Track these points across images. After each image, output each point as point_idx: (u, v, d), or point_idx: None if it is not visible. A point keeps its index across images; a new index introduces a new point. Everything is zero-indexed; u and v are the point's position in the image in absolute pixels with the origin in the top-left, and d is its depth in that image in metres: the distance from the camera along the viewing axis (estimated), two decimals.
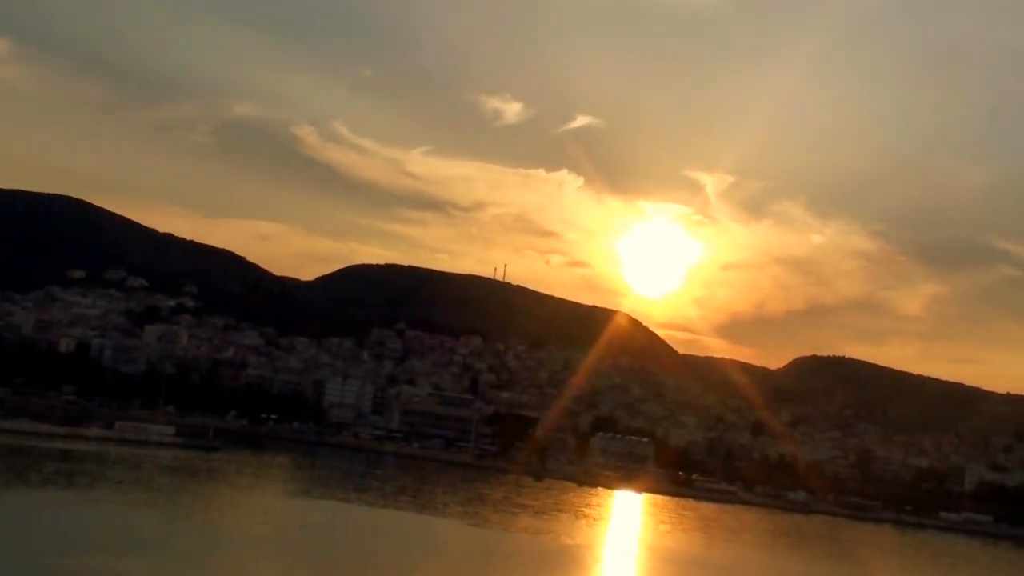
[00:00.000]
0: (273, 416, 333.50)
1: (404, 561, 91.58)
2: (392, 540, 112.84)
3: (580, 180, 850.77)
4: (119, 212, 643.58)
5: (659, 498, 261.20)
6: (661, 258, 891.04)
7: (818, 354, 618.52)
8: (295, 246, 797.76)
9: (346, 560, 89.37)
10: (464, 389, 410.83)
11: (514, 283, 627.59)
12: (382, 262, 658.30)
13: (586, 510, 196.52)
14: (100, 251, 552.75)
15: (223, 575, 74.05)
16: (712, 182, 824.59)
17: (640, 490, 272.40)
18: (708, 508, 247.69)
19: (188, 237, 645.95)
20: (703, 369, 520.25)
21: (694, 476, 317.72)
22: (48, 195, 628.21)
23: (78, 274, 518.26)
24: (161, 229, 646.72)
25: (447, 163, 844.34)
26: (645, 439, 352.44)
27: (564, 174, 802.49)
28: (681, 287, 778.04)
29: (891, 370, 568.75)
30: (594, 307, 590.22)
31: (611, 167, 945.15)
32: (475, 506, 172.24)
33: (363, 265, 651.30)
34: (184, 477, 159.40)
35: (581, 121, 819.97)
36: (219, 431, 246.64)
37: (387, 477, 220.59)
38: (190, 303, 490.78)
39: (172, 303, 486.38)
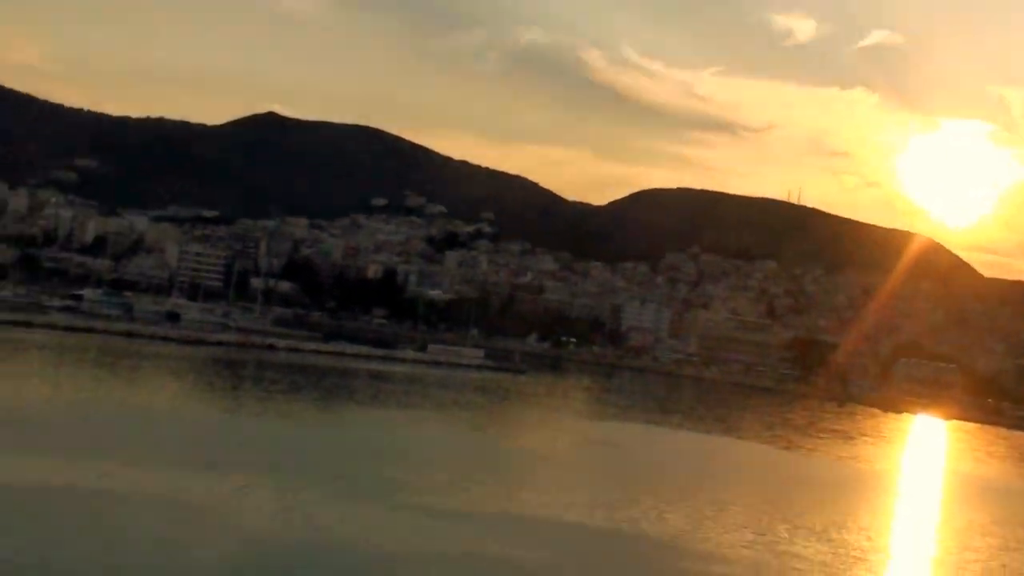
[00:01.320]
0: (572, 340, 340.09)
1: (714, 484, 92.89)
2: (700, 462, 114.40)
3: (875, 98, 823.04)
4: (416, 141, 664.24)
5: (966, 425, 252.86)
6: (963, 178, 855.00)
7: None
8: (586, 171, 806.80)
9: (657, 481, 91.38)
10: (760, 314, 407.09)
11: (808, 205, 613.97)
12: (673, 186, 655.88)
13: (892, 435, 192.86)
14: (400, 179, 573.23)
15: (541, 493, 77.34)
16: (1020, 98, 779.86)
17: (946, 417, 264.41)
18: (1022, 437, 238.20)
19: (482, 164, 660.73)
20: (1011, 293, 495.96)
21: (1004, 404, 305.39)
22: (348, 125, 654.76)
23: (380, 202, 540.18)
24: (456, 156, 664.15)
25: (737, 84, 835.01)
26: (950, 365, 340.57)
27: (858, 92, 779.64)
28: (986, 208, 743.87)
29: None
30: (892, 230, 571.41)
31: (908, 84, 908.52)
32: (779, 430, 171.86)
33: (654, 190, 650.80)
34: (495, 398, 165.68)
35: (876, 37, 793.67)
36: (522, 355, 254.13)
37: (688, 401, 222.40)
38: (487, 229, 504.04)
39: (470, 229, 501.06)
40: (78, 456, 67.52)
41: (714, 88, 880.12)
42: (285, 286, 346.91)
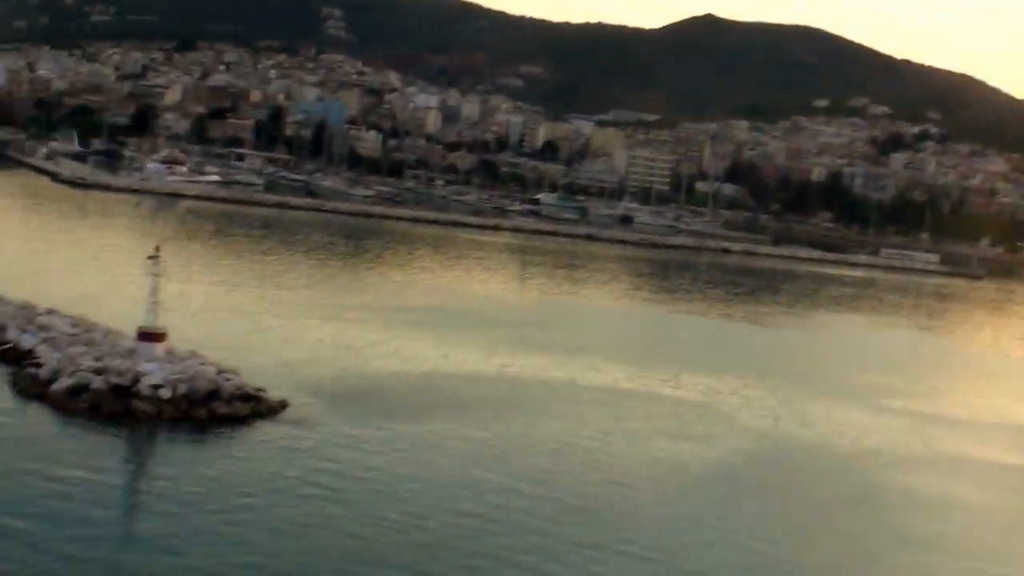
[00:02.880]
0: None
1: None
2: None
3: None
4: (859, 40, 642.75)
5: None
6: None
7: None
8: None
9: None
10: None
11: None
12: None
13: None
14: (841, 80, 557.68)
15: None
16: None
17: None
18: None
19: (926, 63, 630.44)
20: None
21: None
22: (788, 26, 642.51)
23: (822, 103, 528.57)
24: (898, 56, 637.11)
25: None
26: None
27: None
28: None
29: None
30: None
31: None
32: None
33: None
34: (956, 304, 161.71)
35: None
36: (977, 260, 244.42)
37: None
38: (933, 130, 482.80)
39: (915, 130, 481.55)
40: (573, 352, 73.57)
41: None
42: (729, 189, 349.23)
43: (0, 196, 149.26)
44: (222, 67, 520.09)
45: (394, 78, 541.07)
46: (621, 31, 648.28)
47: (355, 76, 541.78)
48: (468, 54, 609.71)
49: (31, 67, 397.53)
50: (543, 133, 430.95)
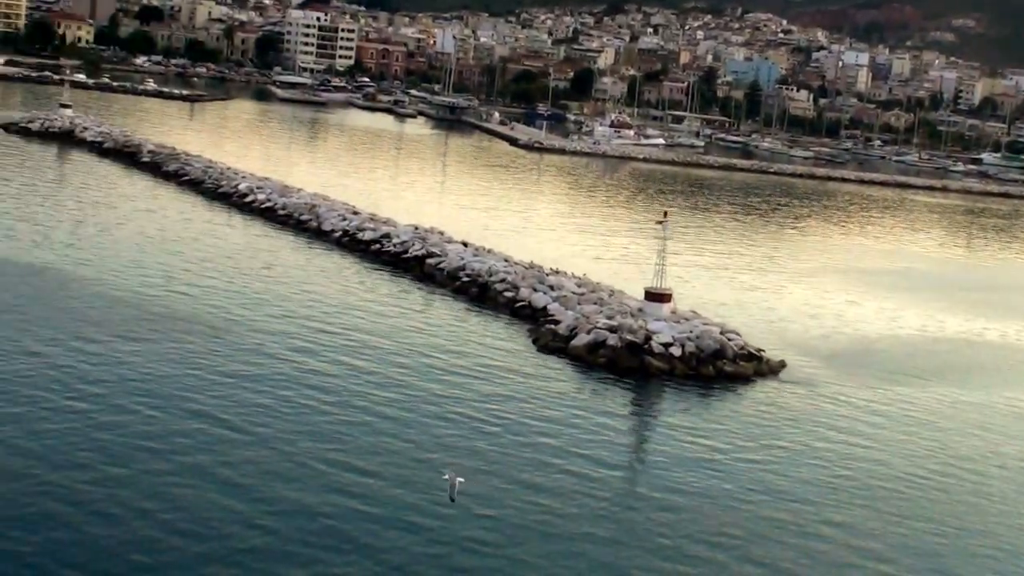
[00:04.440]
0: None
1: None
2: None
3: None
4: None
5: None
6: None
7: None
8: None
9: None
10: None
11: None
12: None
13: None
14: None
15: None
16: None
17: None
18: None
19: None
20: None
21: None
22: None
23: None
24: None
25: None
26: None
27: None
28: None
29: None
30: None
31: None
32: None
33: None
34: None
35: None
36: None
37: None
38: None
39: None
40: None
41: None
42: None
43: (472, 158, 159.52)
44: (649, 29, 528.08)
45: (822, 35, 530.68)
46: None
47: (781, 35, 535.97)
48: (897, 8, 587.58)
49: (474, 35, 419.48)
50: (980, 89, 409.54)
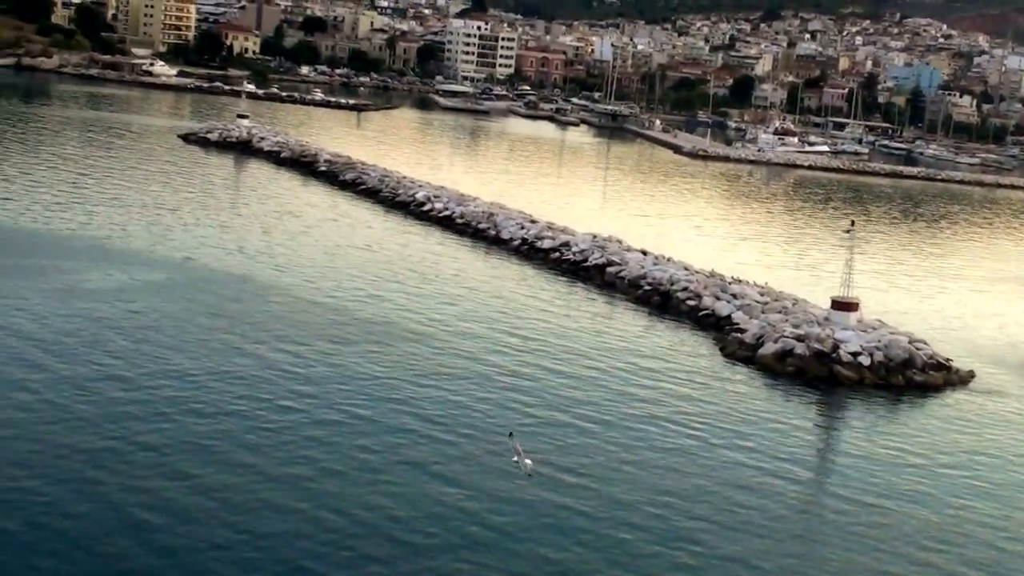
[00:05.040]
0: None
1: None
2: None
3: None
4: None
5: None
6: None
7: None
8: None
9: None
10: None
11: None
12: None
13: None
14: None
15: None
16: None
17: None
18: None
19: None
20: None
21: None
22: None
23: None
24: None
25: None
26: None
27: None
28: None
29: None
30: None
31: None
32: None
33: None
34: None
35: None
36: None
37: None
38: None
39: None
40: None
41: None
42: None
43: (637, 166, 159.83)
44: (807, 35, 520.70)
45: (983, 40, 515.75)
46: None
47: (941, 40, 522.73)
48: None
49: (632, 42, 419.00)
50: None
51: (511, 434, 31.38)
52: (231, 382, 38.61)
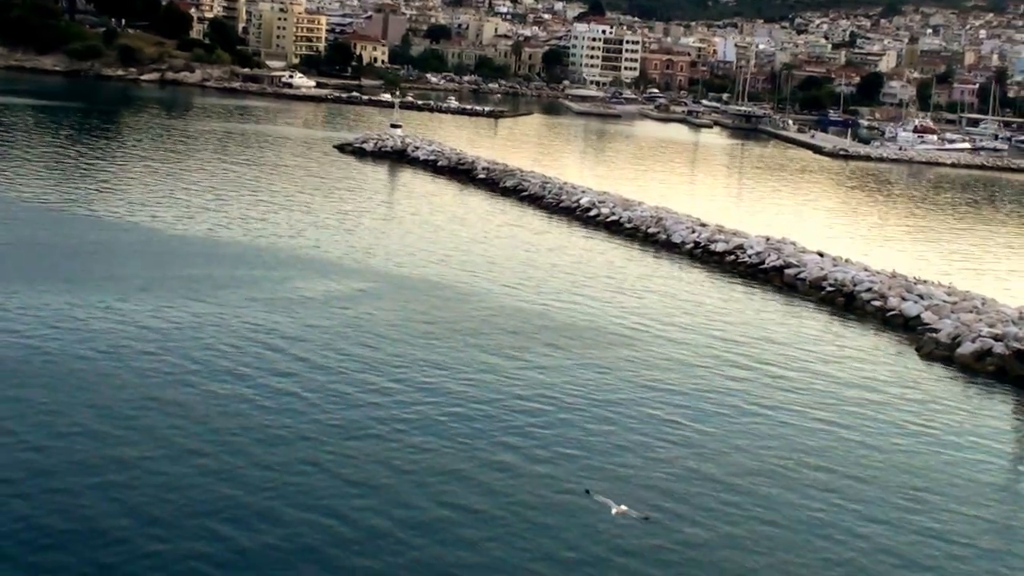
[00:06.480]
0: None
1: None
2: None
3: None
4: None
5: None
6: None
7: None
8: None
9: None
10: None
11: None
12: None
13: None
14: None
15: None
16: None
17: None
18: None
19: None
20: None
21: None
22: None
23: None
24: None
25: None
26: None
27: None
28: None
29: None
30: None
31: None
32: None
33: None
34: None
35: None
36: None
37: None
38: None
39: None
40: None
41: None
42: None
43: (779, 167, 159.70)
44: (929, 30, 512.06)
45: None
46: None
47: None
48: None
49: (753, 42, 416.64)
50: None
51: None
52: (455, 394, 40.38)
